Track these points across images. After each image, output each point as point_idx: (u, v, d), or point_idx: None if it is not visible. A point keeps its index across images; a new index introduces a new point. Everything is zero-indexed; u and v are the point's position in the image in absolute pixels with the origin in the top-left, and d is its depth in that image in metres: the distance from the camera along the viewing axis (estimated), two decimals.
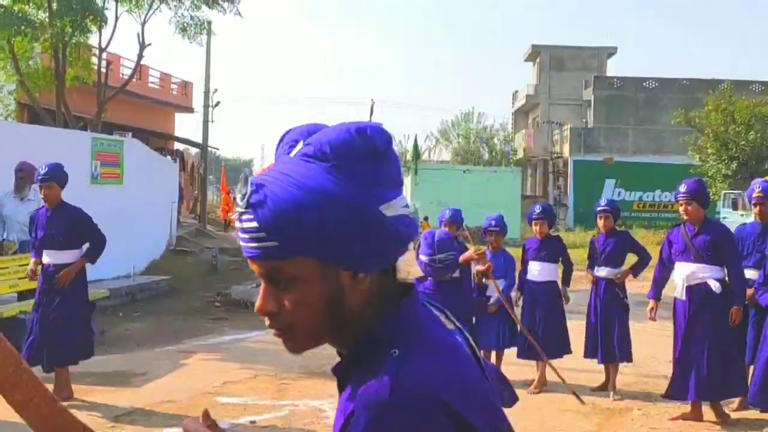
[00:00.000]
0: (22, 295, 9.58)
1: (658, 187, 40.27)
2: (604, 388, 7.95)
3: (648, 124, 42.56)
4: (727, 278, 6.89)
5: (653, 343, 9.48)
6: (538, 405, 7.35)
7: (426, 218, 25.55)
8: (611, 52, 53.76)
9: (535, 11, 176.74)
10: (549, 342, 7.96)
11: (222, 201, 34.27)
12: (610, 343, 7.86)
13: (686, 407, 7.04)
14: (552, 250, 8.27)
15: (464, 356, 1.34)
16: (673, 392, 7.02)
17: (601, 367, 8.08)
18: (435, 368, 1.25)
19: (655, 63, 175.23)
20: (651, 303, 7.33)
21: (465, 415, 1.22)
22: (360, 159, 1.27)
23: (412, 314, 1.34)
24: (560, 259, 8.36)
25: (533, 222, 8.34)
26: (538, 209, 8.34)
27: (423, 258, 5.23)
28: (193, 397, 7.47)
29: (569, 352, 8.13)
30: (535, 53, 53.70)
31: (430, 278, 5.34)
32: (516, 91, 58.88)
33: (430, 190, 31.37)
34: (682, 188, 6.99)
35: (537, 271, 8.20)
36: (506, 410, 1.33)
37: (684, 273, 6.94)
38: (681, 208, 6.98)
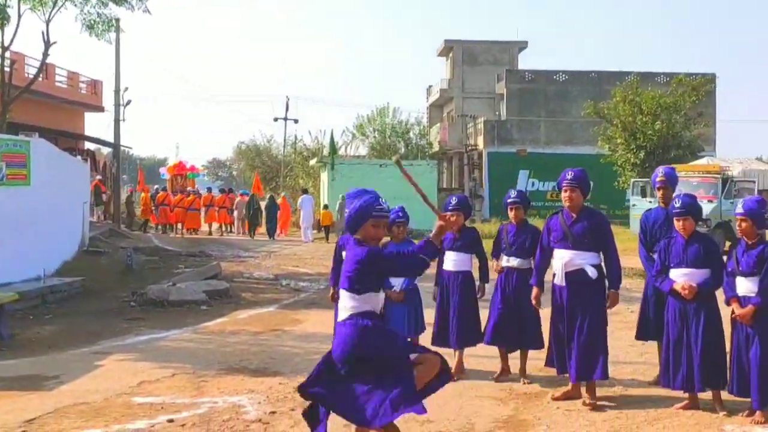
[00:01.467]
0: None
1: None
2: (505, 373, 8.11)
3: (559, 116, 43.48)
4: (603, 264, 7.13)
5: None
6: (456, 392, 7.43)
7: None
8: (522, 46, 54.74)
9: (447, 7, 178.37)
10: (462, 331, 8.11)
11: (141, 200, 33.66)
12: (522, 330, 8.00)
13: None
14: (467, 240, 8.36)
15: None
16: (550, 362, 7.49)
17: (515, 354, 8.21)
18: None
19: (565, 56, 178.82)
20: (534, 290, 7.53)
21: None
22: None
23: None
24: (476, 251, 8.45)
25: (449, 213, 8.41)
26: (453, 201, 8.41)
27: None
28: (108, 398, 7.29)
29: (482, 340, 8.24)
30: (448, 48, 54.25)
31: None
32: (430, 86, 59.40)
33: (347, 185, 31.19)
34: (569, 175, 7.20)
35: (452, 261, 8.29)
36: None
37: (562, 260, 7.15)
38: (565, 194, 7.18)
